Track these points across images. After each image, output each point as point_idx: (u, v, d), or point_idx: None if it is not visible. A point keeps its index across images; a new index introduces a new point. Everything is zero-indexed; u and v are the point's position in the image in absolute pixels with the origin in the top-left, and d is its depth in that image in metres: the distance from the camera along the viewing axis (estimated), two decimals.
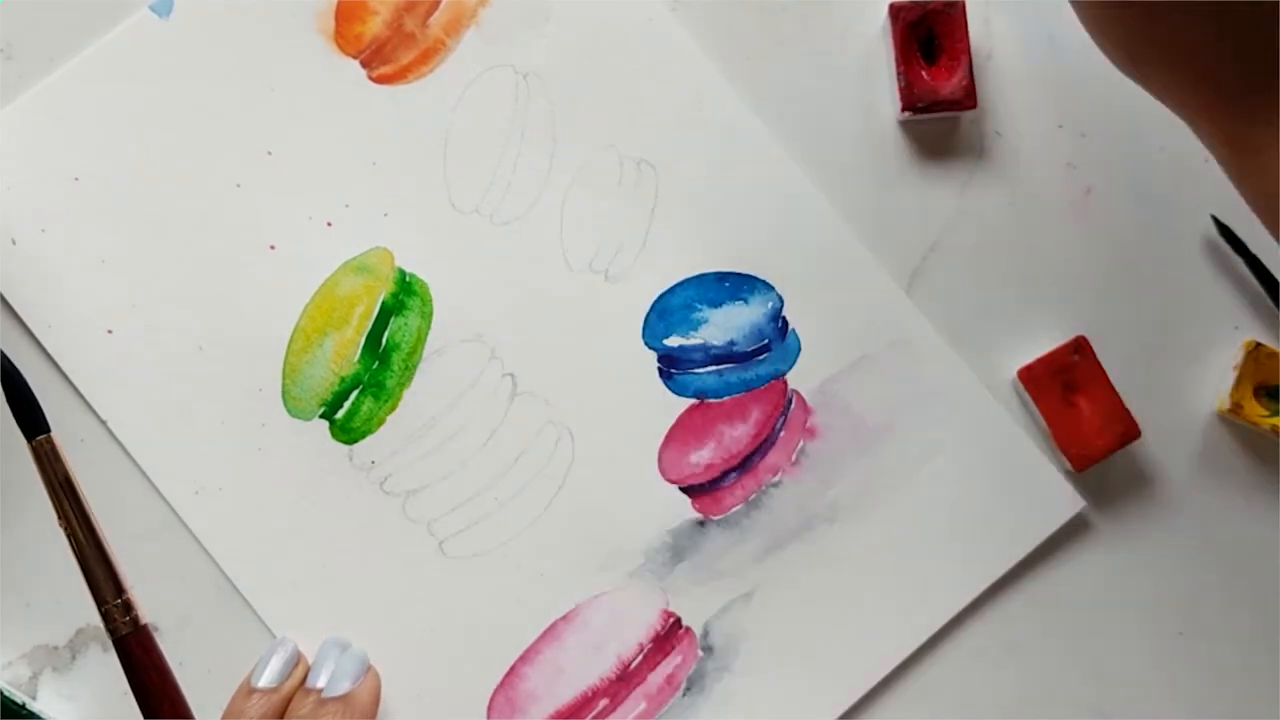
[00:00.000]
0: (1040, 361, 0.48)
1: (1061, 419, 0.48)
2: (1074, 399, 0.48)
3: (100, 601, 0.39)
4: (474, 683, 0.48)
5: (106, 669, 0.47)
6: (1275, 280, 0.49)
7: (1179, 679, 0.48)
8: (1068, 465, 0.48)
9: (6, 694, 0.46)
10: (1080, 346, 0.48)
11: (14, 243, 0.48)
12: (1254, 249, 0.49)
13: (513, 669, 0.48)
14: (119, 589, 0.39)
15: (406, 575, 0.48)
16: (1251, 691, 0.48)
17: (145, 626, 0.39)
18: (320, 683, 0.46)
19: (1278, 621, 0.49)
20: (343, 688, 0.45)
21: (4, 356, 0.39)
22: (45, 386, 0.48)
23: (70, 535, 0.39)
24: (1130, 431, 0.48)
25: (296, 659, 0.46)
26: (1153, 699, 0.48)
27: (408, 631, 0.48)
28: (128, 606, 0.40)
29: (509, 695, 0.48)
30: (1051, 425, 0.48)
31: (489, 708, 0.48)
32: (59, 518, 0.39)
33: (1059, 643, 0.49)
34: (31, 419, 0.38)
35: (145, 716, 0.40)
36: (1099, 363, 0.48)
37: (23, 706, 0.47)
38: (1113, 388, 0.48)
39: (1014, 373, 0.49)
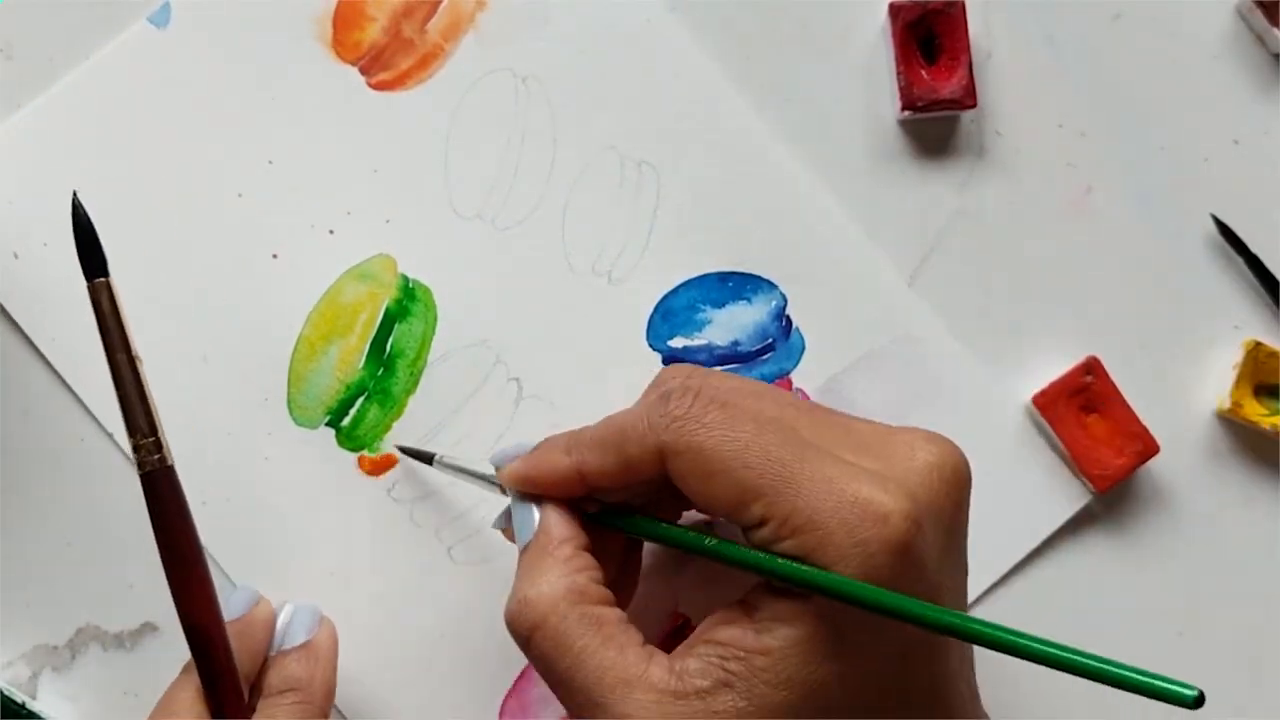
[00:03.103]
0: (1053, 386, 0.48)
1: (1080, 442, 0.48)
2: (1089, 420, 0.49)
3: (133, 434, 0.40)
4: (485, 688, 0.48)
5: (106, 669, 0.48)
6: (1275, 280, 0.49)
7: (1179, 679, 0.49)
8: (1090, 488, 0.49)
9: (6, 694, 0.47)
10: (1092, 367, 0.48)
11: (16, 257, 0.48)
12: (1254, 249, 0.49)
13: (524, 674, 0.48)
14: (153, 426, 0.40)
15: (416, 581, 0.48)
16: (1251, 691, 0.49)
17: (172, 467, 0.41)
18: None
19: (1278, 621, 0.49)
20: (300, 638, 0.45)
21: (76, 198, 0.41)
22: (49, 399, 0.48)
23: (115, 369, 0.40)
24: (1149, 448, 0.48)
25: (259, 598, 0.46)
26: (1152, 699, 0.49)
27: (418, 638, 0.48)
28: (158, 445, 0.41)
29: (521, 700, 0.48)
30: (1070, 449, 0.48)
31: (500, 712, 0.48)
32: (108, 352, 0.40)
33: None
34: (94, 261, 0.40)
35: (163, 554, 0.41)
36: (1112, 381, 0.48)
37: (23, 706, 0.47)
38: (1128, 405, 0.48)
39: (1018, 386, 0.49)
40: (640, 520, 0.41)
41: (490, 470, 0.44)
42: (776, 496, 0.36)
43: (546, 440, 0.42)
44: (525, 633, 0.39)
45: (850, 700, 0.37)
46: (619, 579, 0.43)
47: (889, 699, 0.37)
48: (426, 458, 0.47)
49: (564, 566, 0.40)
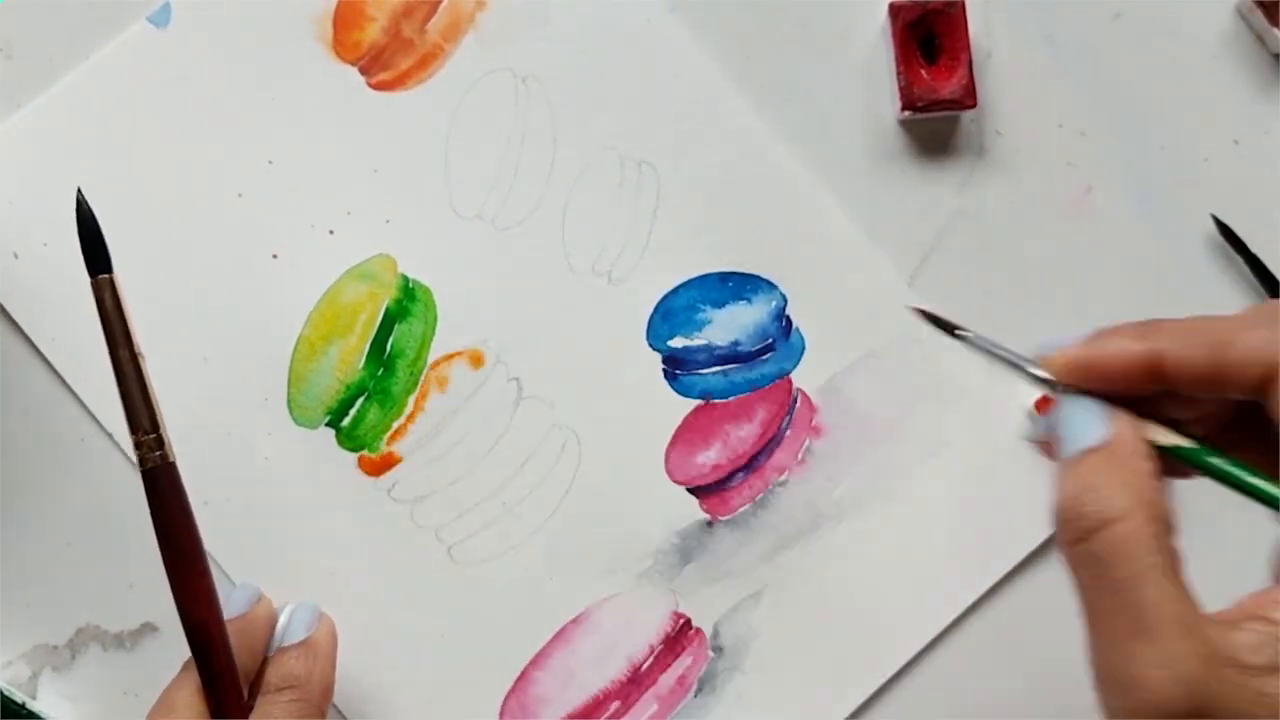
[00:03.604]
0: None
1: None
2: None
3: (135, 430, 0.40)
4: (485, 687, 0.48)
5: (106, 669, 0.48)
6: (1275, 280, 0.49)
7: None
8: None
9: (6, 694, 0.47)
10: None
11: (16, 257, 0.48)
12: (1254, 249, 0.49)
13: (524, 673, 0.48)
14: (155, 423, 0.41)
15: (416, 582, 0.48)
16: None
17: (173, 464, 0.41)
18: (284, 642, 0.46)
19: None
20: (298, 635, 0.45)
21: (80, 194, 0.41)
22: (49, 399, 0.48)
23: (118, 366, 0.40)
24: None
25: (260, 595, 0.46)
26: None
27: (418, 637, 0.48)
28: (160, 442, 0.41)
29: (520, 700, 0.48)
30: None
31: (500, 712, 0.48)
32: (110, 349, 0.40)
33: (1059, 642, 0.49)
34: (97, 257, 0.40)
35: (164, 551, 0.41)
36: None
37: (23, 706, 0.47)
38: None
39: (1019, 387, 0.48)
40: (1219, 461, 0.36)
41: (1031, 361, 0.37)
42: None
43: (1107, 328, 0.36)
44: (1092, 525, 0.34)
45: None
46: None
47: None
48: (950, 328, 0.39)
49: (1146, 480, 0.35)
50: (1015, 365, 0.37)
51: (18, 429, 0.48)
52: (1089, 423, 0.35)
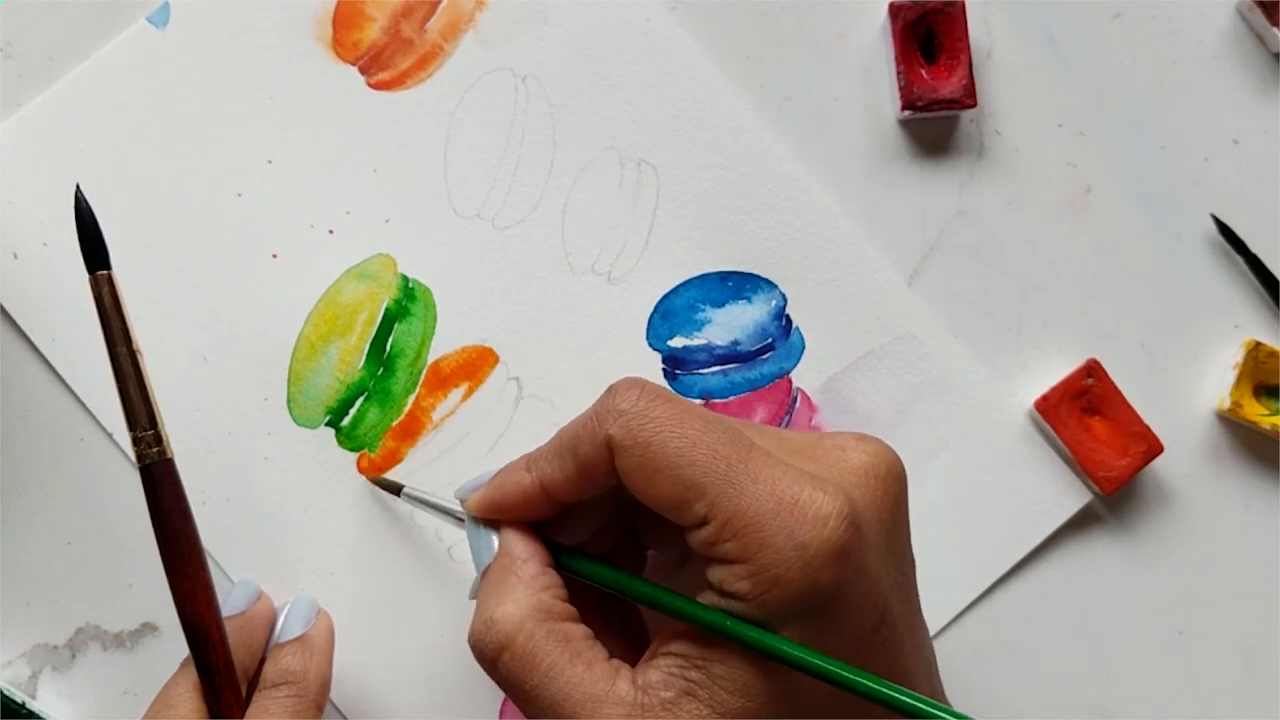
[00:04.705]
0: (1055, 390, 0.48)
1: (1083, 445, 0.48)
2: (1092, 422, 0.49)
3: (133, 427, 0.40)
4: (485, 687, 0.47)
5: (106, 668, 0.48)
6: (1275, 280, 0.50)
7: (1179, 679, 0.49)
8: (1095, 489, 0.49)
9: (6, 693, 0.47)
10: (1093, 370, 0.48)
11: (16, 257, 0.48)
12: (1254, 248, 0.49)
13: None
14: (153, 420, 0.41)
15: (415, 581, 0.48)
16: (1251, 691, 0.49)
17: (171, 460, 0.41)
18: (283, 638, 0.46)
19: (1278, 621, 0.49)
20: (295, 631, 0.45)
21: (79, 190, 0.41)
22: (49, 399, 0.48)
23: (116, 362, 0.40)
24: (1154, 448, 0.48)
25: (259, 593, 0.46)
26: (1153, 699, 0.49)
27: (420, 637, 0.48)
28: (158, 438, 0.41)
29: None
30: (1074, 452, 0.48)
31: (501, 712, 0.48)
32: (109, 345, 0.40)
33: (1059, 642, 0.49)
34: (96, 253, 0.40)
35: (162, 548, 0.41)
36: (1113, 383, 0.48)
37: (23, 706, 0.47)
38: (1129, 406, 0.48)
39: (1019, 387, 0.49)
40: (604, 569, 0.40)
41: (455, 504, 0.43)
42: (719, 496, 0.36)
43: (506, 465, 0.42)
44: (493, 654, 0.38)
45: (812, 705, 0.37)
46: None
47: (848, 701, 0.37)
48: (395, 489, 0.47)
49: (529, 585, 0.39)
50: (444, 513, 0.44)
51: (18, 429, 0.48)
52: (484, 545, 0.41)
